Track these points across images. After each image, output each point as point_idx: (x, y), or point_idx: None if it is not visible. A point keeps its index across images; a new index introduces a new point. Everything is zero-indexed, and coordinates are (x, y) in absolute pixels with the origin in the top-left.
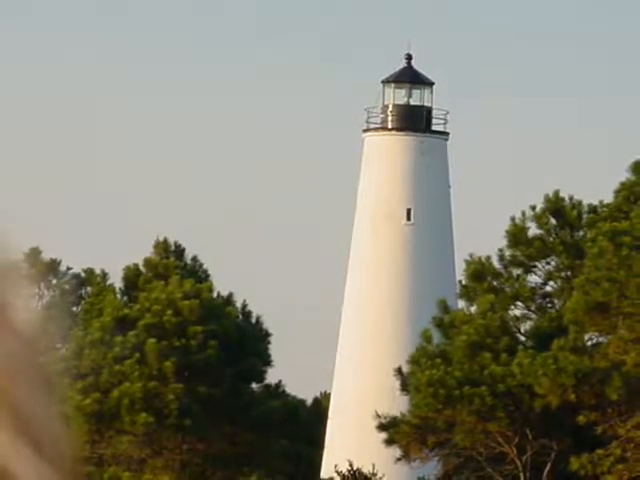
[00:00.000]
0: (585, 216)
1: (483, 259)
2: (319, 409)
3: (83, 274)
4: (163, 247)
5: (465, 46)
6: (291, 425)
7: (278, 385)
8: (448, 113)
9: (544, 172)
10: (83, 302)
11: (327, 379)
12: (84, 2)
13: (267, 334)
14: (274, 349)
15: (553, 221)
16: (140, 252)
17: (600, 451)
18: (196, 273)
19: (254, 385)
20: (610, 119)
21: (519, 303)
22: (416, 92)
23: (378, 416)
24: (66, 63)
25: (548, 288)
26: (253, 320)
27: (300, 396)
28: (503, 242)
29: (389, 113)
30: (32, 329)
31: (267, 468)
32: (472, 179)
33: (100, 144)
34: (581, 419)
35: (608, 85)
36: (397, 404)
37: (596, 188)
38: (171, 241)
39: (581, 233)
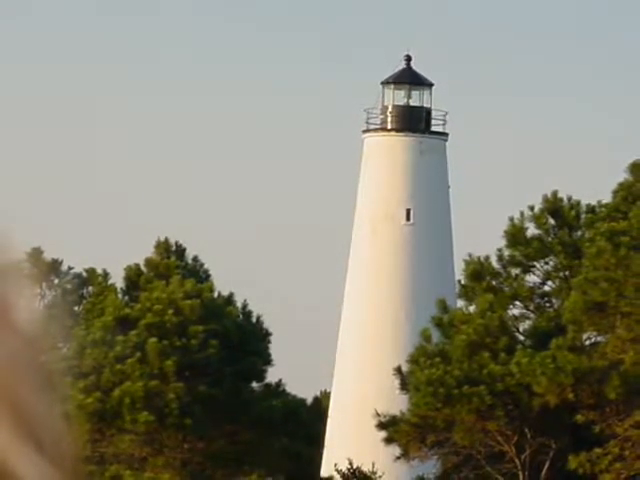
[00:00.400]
0: (583, 216)
1: (482, 259)
2: (319, 408)
3: (85, 274)
4: (164, 247)
5: (464, 47)
6: (291, 424)
7: (278, 384)
8: (447, 114)
9: (542, 172)
10: (85, 302)
11: (327, 378)
12: (84, 2)
13: (267, 333)
14: (274, 348)
15: (551, 221)
16: (141, 252)
17: (598, 450)
18: (197, 273)
19: (254, 384)
20: (608, 120)
21: (518, 303)
22: (415, 93)
23: (378, 415)
24: (66, 63)
25: (546, 288)
26: (253, 320)
27: (300, 395)
28: (502, 242)
29: (388, 114)
30: (34, 328)
31: (267, 467)
32: (471, 179)
33: (100, 144)
34: (579, 418)
35: (607, 85)
36: (396, 403)
37: (594, 188)
38: (172, 241)
39: (579, 233)
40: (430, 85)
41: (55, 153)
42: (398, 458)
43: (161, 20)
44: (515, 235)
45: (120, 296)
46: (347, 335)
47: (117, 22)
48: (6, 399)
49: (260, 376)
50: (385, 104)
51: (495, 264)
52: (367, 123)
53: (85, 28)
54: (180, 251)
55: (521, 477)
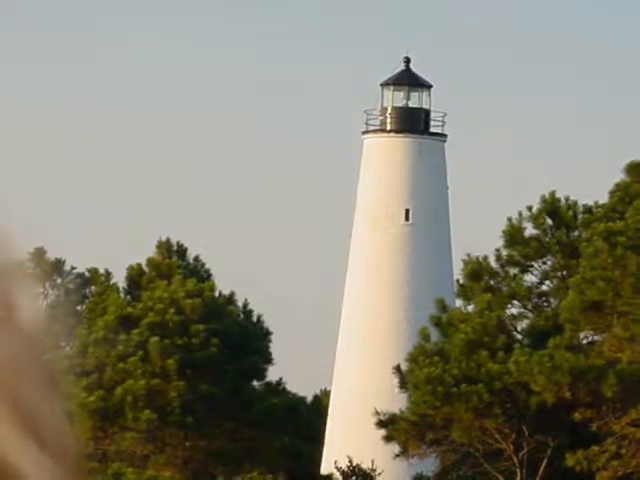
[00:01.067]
0: (580, 216)
1: (480, 259)
2: (319, 406)
3: (87, 273)
4: (166, 247)
5: (463, 49)
6: (292, 422)
7: (279, 383)
8: (446, 115)
9: (540, 173)
10: (87, 301)
11: (327, 377)
12: (84, 2)
13: (268, 332)
14: (275, 347)
15: (549, 221)
16: (143, 252)
17: (595, 447)
18: (198, 272)
19: (255, 383)
20: (606, 120)
21: (516, 302)
22: (414, 94)
23: (377, 413)
24: (67, 63)
25: (544, 287)
26: (254, 319)
27: (300, 393)
28: (500, 242)
29: (388, 115)
30: (37, 327)
31: (268, 464)
32: (469, 180)
33: (101, 144)
34: (577, 416)
35: (604, 86)
36: (396, 401)
37: (591, 189)
38: (173, 241)
39: (577, 233)
40: (429, 86)
41: (57, 153)
42: (397, 456)
43: (161, 20)
44: (513, 235)
45: (122, 295)
46: (347, 334)
47: (117, 22)
48: (9, 397)
49: (261, 375)
50: (384, 105)
51: (493, 264)
52: (366, 124)
53: (86, 28)
54: (181, 251)
55: (519, 475)
